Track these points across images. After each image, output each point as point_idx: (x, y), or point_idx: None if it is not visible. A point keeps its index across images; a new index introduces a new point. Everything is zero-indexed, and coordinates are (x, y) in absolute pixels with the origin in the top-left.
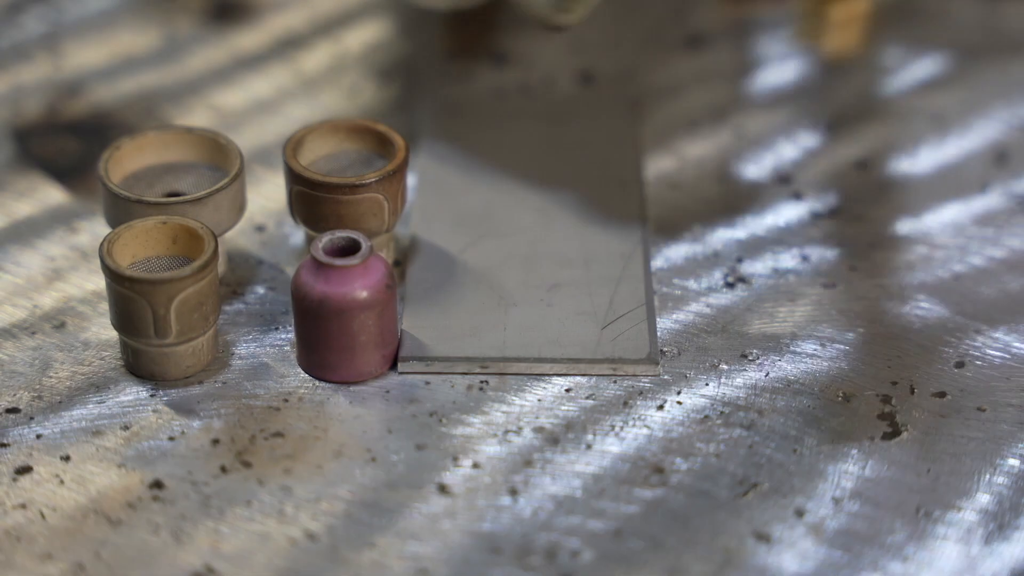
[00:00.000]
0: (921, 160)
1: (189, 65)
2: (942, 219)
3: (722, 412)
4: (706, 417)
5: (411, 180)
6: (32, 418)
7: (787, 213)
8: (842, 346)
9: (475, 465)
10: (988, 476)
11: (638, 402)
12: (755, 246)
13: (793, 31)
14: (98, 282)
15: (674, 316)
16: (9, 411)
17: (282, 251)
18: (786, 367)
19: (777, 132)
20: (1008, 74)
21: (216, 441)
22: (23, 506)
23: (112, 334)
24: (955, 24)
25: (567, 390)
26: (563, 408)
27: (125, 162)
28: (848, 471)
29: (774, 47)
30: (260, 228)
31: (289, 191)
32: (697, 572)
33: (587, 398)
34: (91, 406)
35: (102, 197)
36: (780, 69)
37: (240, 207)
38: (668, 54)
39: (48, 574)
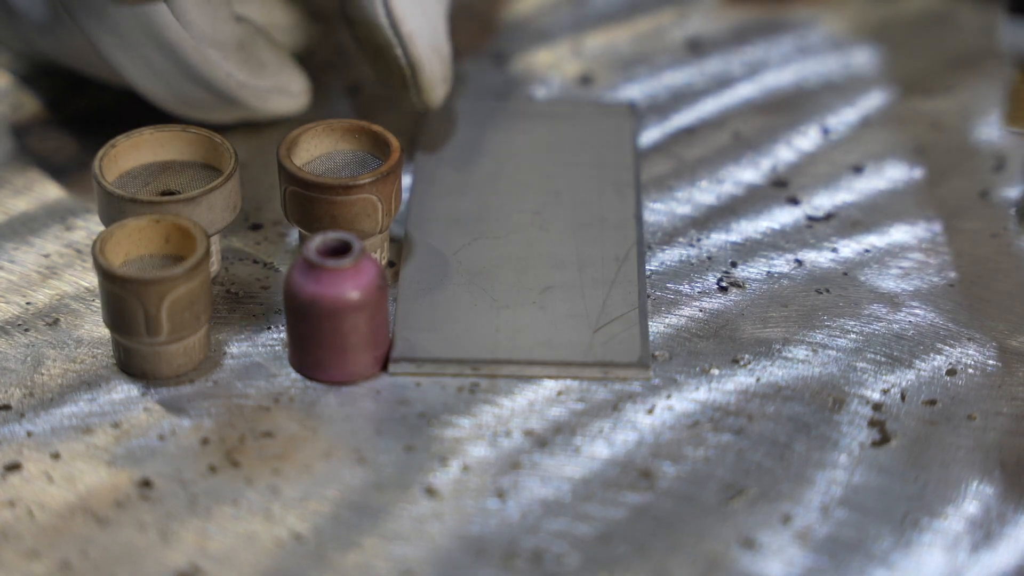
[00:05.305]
0: (918, 166)
1: None
2: (937, 226)
3: (712, 417)
4: (696, 422)
5: (406, 181)
6: (23, 415)
7: (782, 217)
8: (834, 352)
9: (463, 467)
10: (976, 484)
11: (628, 406)
12: (749, 250)
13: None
14: (92, 280)
15: (667, 320)
16: (0, 408)
17: (276, 251)
18: (777, 373)
19: (774, 136)
20: (1005, 82)
21: (206, 440)
22: (11, 503)
23: (105, 332)
24: (955, 30)
25: (558, 393)
26: (553, 411)
27: (120, 160)
28: (836, 478)
29: (772, 50)
30: (255, 227)
31: (283, 191)
32: None
33: (577, 401)
34: (82, 404)
35: (96, 195)
36: (778, 72)
37: (234, 206)
38: (667, 56)
39: (34, 572)
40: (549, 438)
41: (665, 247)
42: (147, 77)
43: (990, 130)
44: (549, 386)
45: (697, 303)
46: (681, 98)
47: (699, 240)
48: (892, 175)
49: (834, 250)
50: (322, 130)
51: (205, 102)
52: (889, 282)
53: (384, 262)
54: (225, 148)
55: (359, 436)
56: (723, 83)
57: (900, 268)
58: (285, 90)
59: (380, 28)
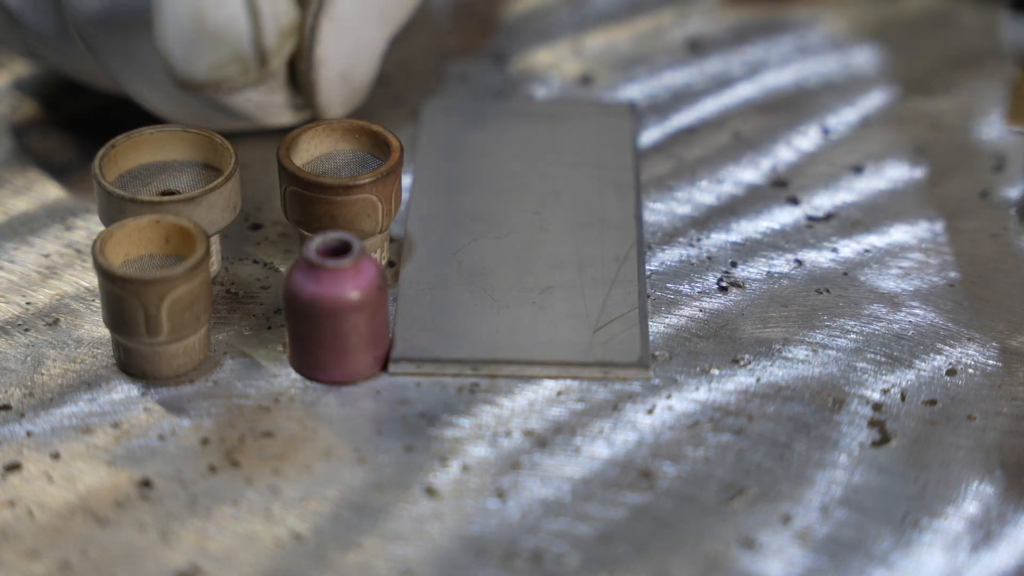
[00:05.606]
0: (918, 166)
1: None
2: (938, 226)
3: (712, 417)
4: (696, 422)
5: (406, 180)
6: (23, 415)
7: (782, 217)
8: (833, 352)
9: (463, 467)
10: (976, 484)
11: (628, 406)
12: (749, 250)
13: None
14: (92, 280)
15: (667, 320)
16: (0, 408)
17: (276, 251)
18: (777, 373)
19: (774, 136)
20: (1007, 80)
21: (206, 440)
22: (11, 503)
23: (105, 332)
24: (955, 30)
25: (558, 393)
26: (553, 411)
27: (120, 160)
28: (836, 478)
29: (772, 50)
30: (255, 227)
31: (283, 191)
32: None
33: (577, 401)
34: (82, 404)
35: (96, 195)
36: (778, 72)
37: (234, 206)
38: (667, 56)
39: (34, 572)
40: (549, 438)
41: (665, 247)
42: (163, 102)
43: (990, 130)
44: (549, 386)
45: (697, 303)
46: (681, 98)
47: (699, 240)
48: (892, 175)
49: (834, 250)
50: (322, 130)
51: (216, 119)
52: (889, 282)
53: (384, 262)
54: (225, 148)
55: (359, 436)
56: (723, 83)
57: (900, 268)
58: (295, 103)
59: (302, 38)
